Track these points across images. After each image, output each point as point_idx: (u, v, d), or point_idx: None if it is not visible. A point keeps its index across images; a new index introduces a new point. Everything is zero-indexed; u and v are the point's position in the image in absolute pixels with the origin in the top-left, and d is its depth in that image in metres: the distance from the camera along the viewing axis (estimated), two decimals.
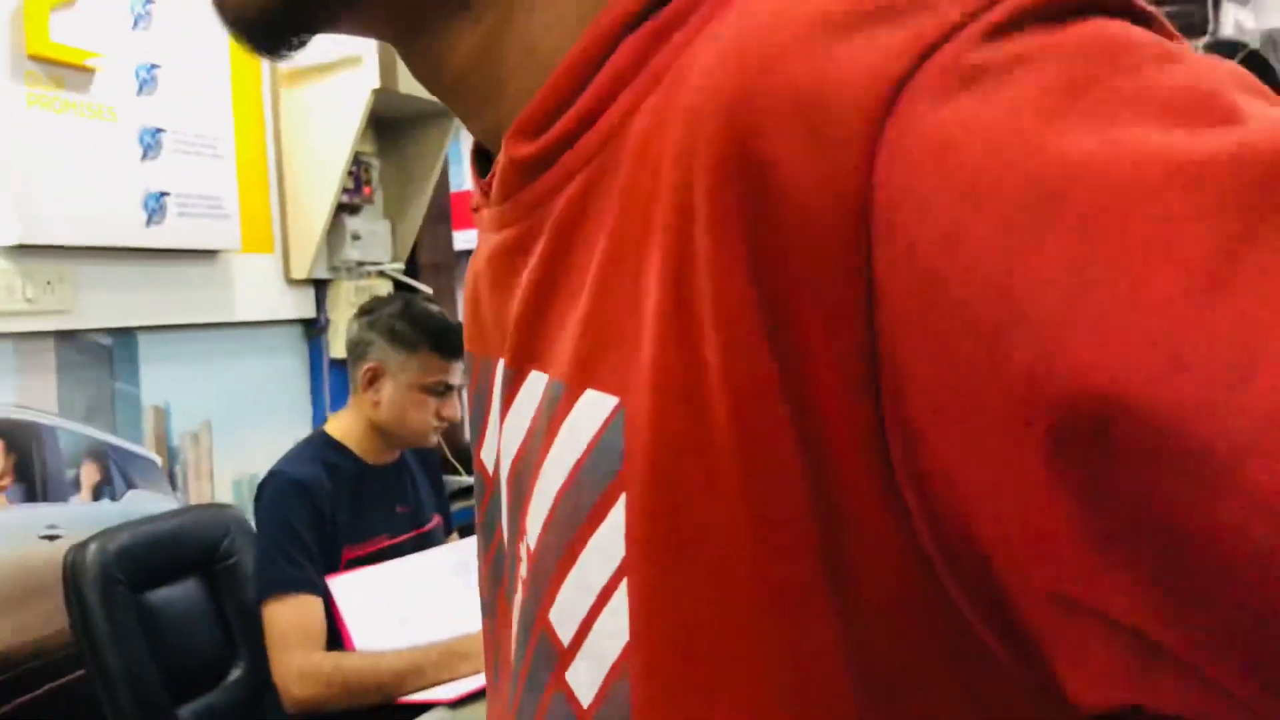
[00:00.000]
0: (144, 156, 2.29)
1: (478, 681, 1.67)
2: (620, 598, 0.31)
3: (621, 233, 0.32)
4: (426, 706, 1.65)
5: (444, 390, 1.89)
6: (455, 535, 2.16)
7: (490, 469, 0.43)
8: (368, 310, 1.98)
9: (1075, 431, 0.22)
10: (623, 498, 0.31)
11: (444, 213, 3.34)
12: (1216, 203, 0.21)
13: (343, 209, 2.84)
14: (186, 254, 2.44)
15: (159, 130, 2.32)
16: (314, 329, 2.86)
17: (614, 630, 0.31)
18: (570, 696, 0.34)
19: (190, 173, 2.39)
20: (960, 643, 0.26)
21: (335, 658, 1.73)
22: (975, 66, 0.24)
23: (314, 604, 1.75)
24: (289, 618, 1.73)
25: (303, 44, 0.40)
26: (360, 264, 2.90)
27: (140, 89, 2.28)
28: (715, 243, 0.27)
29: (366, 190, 2.92)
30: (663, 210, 0.29)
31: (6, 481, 2.02)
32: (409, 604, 1.82)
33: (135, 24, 2.27)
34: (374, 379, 1.89)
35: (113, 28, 2.21)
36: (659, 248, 0.29)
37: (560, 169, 0.36)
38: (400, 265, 3.04)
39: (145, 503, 2.29)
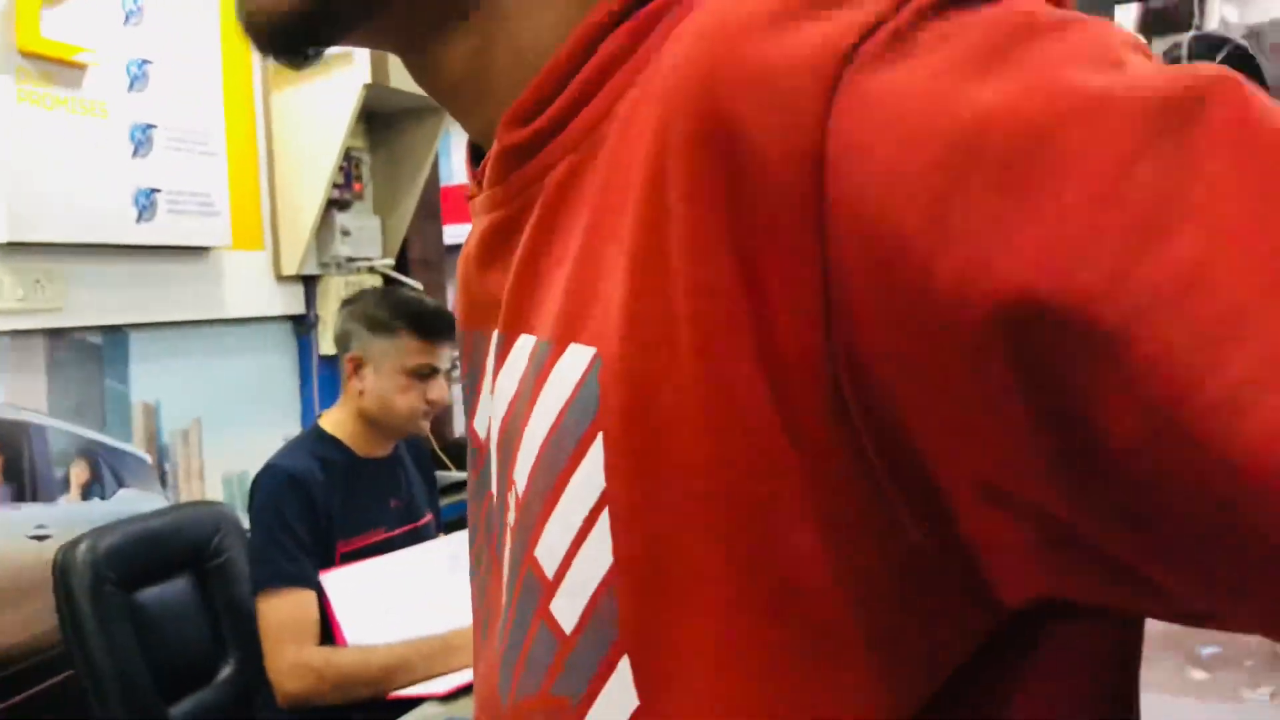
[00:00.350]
0: (135, 153, 2.28)
1: (469, 675, 1.67)
2: (602, 526, 0.34)
3: (604, 204, 0.35)
4: (419, 701, 1.65)
5: (429, 373, 1.88)
6: (443, 534, 2.16)
7: (483, 435, 0.45)
8: (349, 301, 1.99)
9: (996, 332, 0.26)
10: (600, 436, 0.34)
11: (434, 209, 3.34)
12: (1110, 129, 0.25)
13: (333, 204, 2.83)
14: (177, 251, 2.43)
15: (150, 126, 2.31)
16: (304, 325, 2.86)
17: (596, 557, 0.34)
18: (554, 625, 0.37)
19: (181, 169, 2.39)
20: (907, 555, 0.30)
21: (327, 652, 1.73)
22: (909, 40, 0.29)
23: (308, 598, 1.75)
24: (283, 612, 1.73)
25: (319, 54, 0.44)
26: (350, 260, 2.89)
27: (131, 85, 2.27)
28: (689, 199, 0.31)
29: (357, 186, 2.92)
30: (640, 178, 0.33)
31: None
32: (401, 598, 1.82)
33: (126, 20, 2.26)
34: (357, 368, 1.89)
35: (104, 23, 2.20)
36: (635, 210, 0.33)
37: (548, 154, 0.40)
38: (390, 261, 3.04)
39: (135, 501, 2.28)
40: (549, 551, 0.37)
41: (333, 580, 1.79)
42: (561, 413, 0.36)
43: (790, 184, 0.29)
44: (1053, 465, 0.26)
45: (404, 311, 1.87)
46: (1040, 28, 0.28)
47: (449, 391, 1.96)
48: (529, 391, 0.38)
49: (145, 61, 2.30)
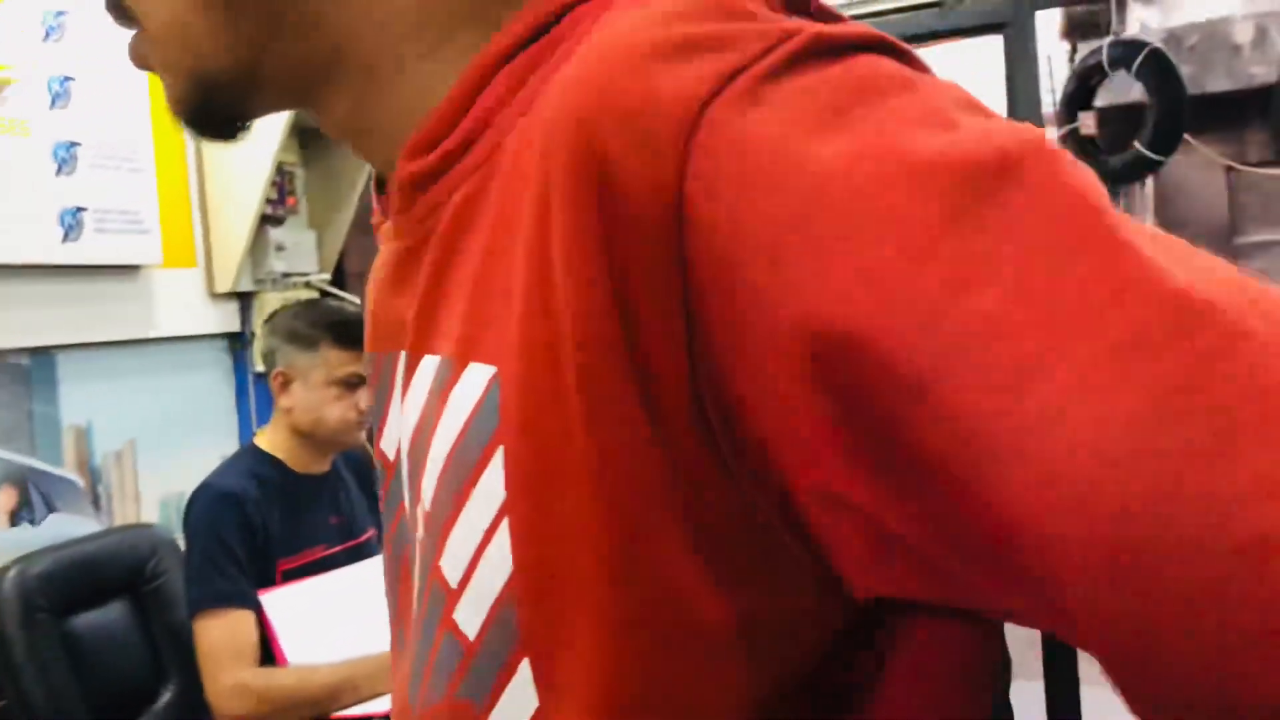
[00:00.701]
0: (59, 171, 2.23)
1: None
2: (502, 536, 0.36)
3: (498, 229, 0.38)
4: None
5: (357, 382, 1.86)
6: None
7: (391, 455, 0.47)
8: (270, 318, 1.97)
9: (823, 360, 0.29)
10: (500, 450, 0.36)
11: (370, 222, 3.30)
12: (930, 192, 0.29)
13: (267, 220, 2.79)
14: (106, 270, 2.38)
15: (74, 144, 2.26)
16: (239, 343, 2.82)
17: (497, 564, 0.37)
18: (458, 633, 0.39)
19: (108, 187, 2.34)
20: (774, 555, 0.33)
21: (267, 673, 1.71)
22: (764, 91, 0.31)
23: (246, 619, 1.72)
24: (220, 633, 1.70)
25: (245, 128, 0.48)
26: (286, 275, 2.85)
27: (53, 102, 2.22)
28: (568, 229, 0.33)
29: (290, 201, 2.88)
30: (528, 207, 0.35)
31: None
32: (343, 617, 1.80)
33: (47, 36, 2.21)
34: (285, 384, 1.87)
35: (24, 40, 2.15)
36: (525, 237, 0.35)
37: (446, 183, 0.42)
38: (327, 276, 3.01)
39: (67, 526, 2.23)
40: (453, 561, 0.39)
41: (273, 600, 1.76)
42: (464, 428, 0.38)
43: (654, 218, 0.32)
44: (873, 478, 0.30)
45: (325, 323, 1.86)
46: (882, 89, 0.32)
47: None
48: (434, 409, 0.40)
49: (67, 78, 2.25)
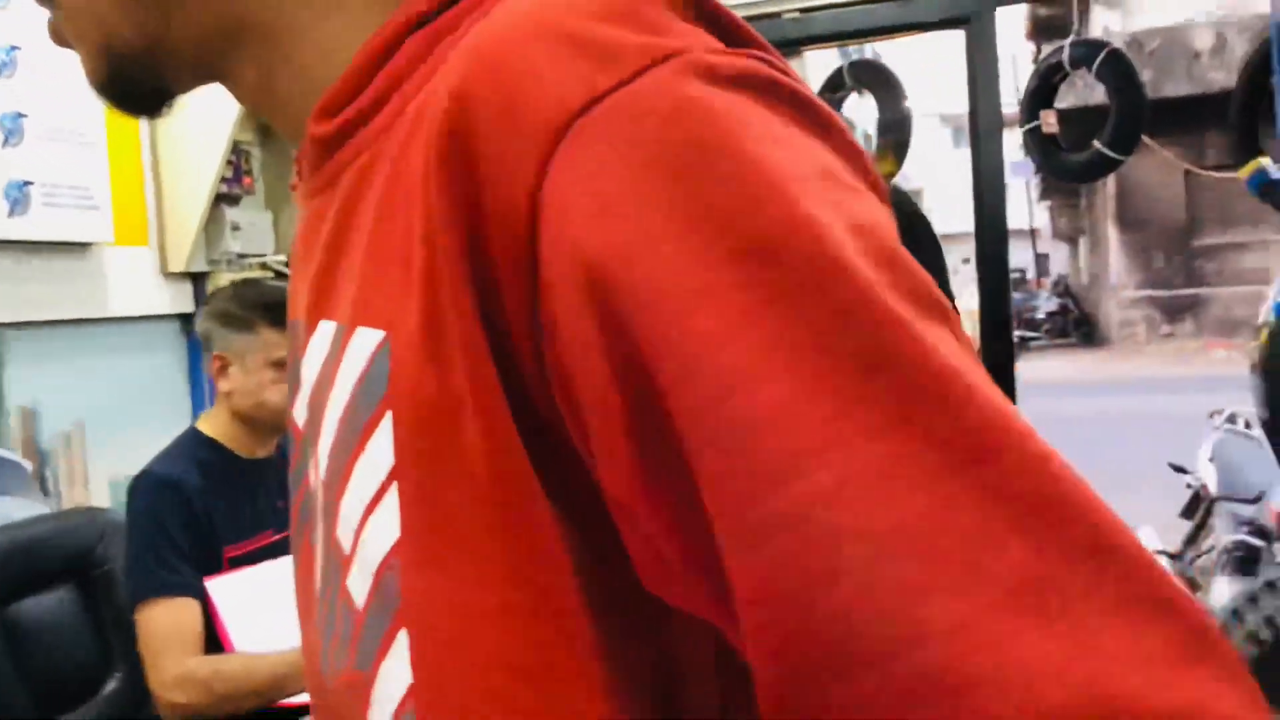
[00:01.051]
0: (4, 143, 2.18)
1: None
2: (391, 499, 0.36)
3: (392, 194, 0.38)
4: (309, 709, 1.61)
5: None
6: None
7: (300, 423, 0.47)
8: (207, 301, 1.94)
9: (640, 400, 0.31)
10: (389, 414, 0.36)
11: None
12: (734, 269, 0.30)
13: (221, 199, 2.76)
14: (54, 246, 2.34)
15: (20, 115, 2.21)
16: (192, 324, 2.77)
17: (383, 528, 0.37)
18: (350, 602, 0.39)
19: (56, 161, 2.29)
20: (599, 531, 0.34)
21: (213, 661, 1.68)
22: (638, 110, 0.32)
23: (189, 607, 1.69)
24: (163, 622, 1.67)
25: (168, 104, 0.49)
26: (241, 256, 2.81)
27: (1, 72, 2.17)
28: (441, 216, 0.34)
29: (246, 180, 2.84)
30: (417, 174, 0.36)
31: None
32: (290, 603, 1.78)
33: None
34: (223, 368, 1.83)
35: None
36: (413, 202, 0.36)
37: (351, 147, 0.42)
38: (283, 257, 2.97)
39: (12, 509, 2.18)
40: (345, 526, 0.39)
41: (218, 586, 1.73)
42: (353, 393, 0.38)
43: (513, 222, 0.33)
44: (656, 506, 0.32)
45: (261, 304, 1.82)
46: (731, 151, 0.32)
47: None
48: (329, 375, 0.41)
49: (14, 47, 2.20)
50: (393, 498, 0.36)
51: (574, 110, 0.32)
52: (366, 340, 0.38)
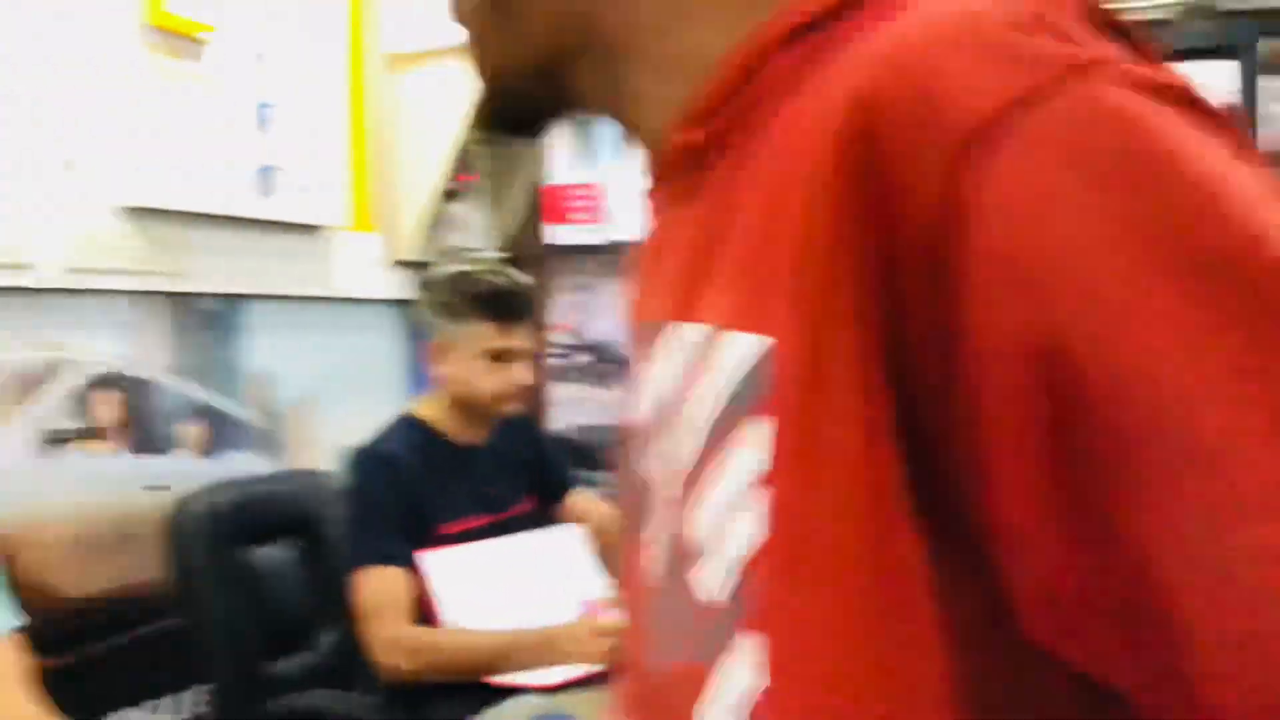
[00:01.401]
0: (258, 128, 2.37)
1: (570, 672, 1.68)
2: (759, 503, 0.36)
3: (770, 206, 0.38)
4: (520, 689, 1.66)
5: (508, 356, 1.87)
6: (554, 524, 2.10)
7: (642, 420, 0.47)
8: (424, 288, 1.99)
9: (1063, 412, 0.30)
10: (768, 420, 0.36)
11: (535, 207, 3.36)
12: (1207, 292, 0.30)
13: (448, 194, 2.88)
14: (294, 227, 2.51)
15: (271, 105, 2.40)
16: (413, 310, 2.90)
17: (748, 531, 0.37)
18: (692, 595, 0.39)
19: (302, 149, 2.47)
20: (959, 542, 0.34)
21: (426, 631, 1.74)
22: (1056, 121, 0.31)
23: (400, 576, 1.75)
24: (378, 588, 1.74)
25: (546, 129, 0.53)
26: (462, 249, 2.92)
27: (254, 62, 2.36)
28: (841, 222, 0.34)
29: (470, 178, 2.96)
30: (803, 189, 0.35)
31: (119, 431, 2.12)
32: (499, 586, 1.82)
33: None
34: (439, 354, 1.89)
35: (227, 1, 2.28)
36: (805, 219, 0.35)
37: (722, 154, 0.42)
38: (502, 254, 3.06)
39: (245, 465, 2.36)
40: (702, 523, 0.39)
41: (432, 560, 1.79)
42: (726, 394, 0.38)
43: (926, 213, 0.32)
44: (1067, 550, 0.31)
45: (476, 296, 1.86)
46: (1174, 158, 0.31)
47: (531, 374, 1.93)
48: (694, 375, 0.41)
49: (268, 39, 2.37)
50: (762, 502, 0.36)
51: (998, 114, 0.31)
52: (742, 344, 0.38)
